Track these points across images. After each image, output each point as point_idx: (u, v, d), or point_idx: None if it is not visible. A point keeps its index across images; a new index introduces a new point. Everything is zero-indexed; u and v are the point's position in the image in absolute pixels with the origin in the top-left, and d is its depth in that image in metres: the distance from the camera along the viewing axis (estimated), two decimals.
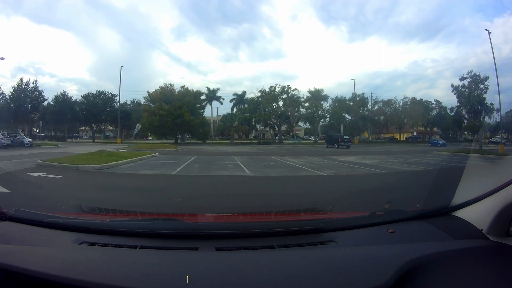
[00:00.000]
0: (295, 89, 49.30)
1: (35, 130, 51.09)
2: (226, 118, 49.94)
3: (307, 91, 50.23)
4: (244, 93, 53.91)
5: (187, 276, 1.05)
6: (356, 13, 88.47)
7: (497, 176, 1.51)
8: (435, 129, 57.44)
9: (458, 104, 49.65)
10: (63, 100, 47.89)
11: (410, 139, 55.61)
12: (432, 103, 54.70)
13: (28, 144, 26.95)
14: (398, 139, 56.30)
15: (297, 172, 11.16)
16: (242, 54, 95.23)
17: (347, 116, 51.00)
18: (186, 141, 46.24)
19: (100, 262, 1.22)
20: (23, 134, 34.04)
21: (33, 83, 47.41)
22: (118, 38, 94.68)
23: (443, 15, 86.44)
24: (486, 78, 43.95)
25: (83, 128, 57.58)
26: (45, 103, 48.02)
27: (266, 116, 49.21)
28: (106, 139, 50.71)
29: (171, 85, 46.65)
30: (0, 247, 1.26)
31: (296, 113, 49.91)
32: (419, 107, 50.56)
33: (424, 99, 54.68)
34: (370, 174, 10.60)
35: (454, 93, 48.37)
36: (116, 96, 48.95)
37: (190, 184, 8.58)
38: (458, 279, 1.12)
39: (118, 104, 47.95)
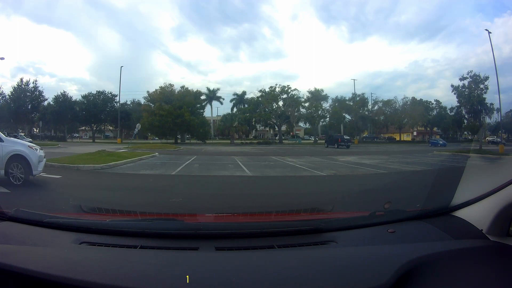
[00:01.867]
0: (295, 89, 49.35)
1: (35, 130, 51.11)
2: (226, 118, 49.95)
3: (307, 91, 50.30)
4: (244, 93, 53.95)
5: (187, 276, 1.05)
6: (357, 13, 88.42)
7: (497, 176, 1.51)
8: (435, 129, 57.43)
9: (458, 104, 49.78)
10: (63, 100, 47.91)
11: (364, 139, 54.76)
12: (432, 103, 54.72)
13: None
14: (397, 139, 56.24)
15: (297, 172, 11.17)
16: (242, 54, 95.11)
17: (347, 116, 51.04)
18: (186, 141, 46.24)
19: (100, 262, 1.22)
20: (23, 134, 34.09)
21: (33, 83, 47.53)
22: (118, 38, 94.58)
23: (444, 15, 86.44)
24: (486, 78, 44.09)
25: (83, 128, 57.57)
26: (45, 103, 48.14)
27: (266, 116, 49.19)
28: (106, 139, 50.66)
29: (171, 85, 46.68)
30: (0, 247, 1.26)
31: (296, 113, 49.90)
32: (419, 107, 50.55)
33: (424, 99, 54.68)
34: (370, 174, 10.61)
35: (454, 93, 48.53)
36: (116, 96, 49.04)
37: (190, 184, 8.58)
38: (458, 279, 1.12)
39: (118, 104, 48.06)
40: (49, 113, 46.34)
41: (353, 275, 1.11)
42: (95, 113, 48.39)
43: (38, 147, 7.72)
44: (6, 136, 7.92)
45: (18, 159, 7.05)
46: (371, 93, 69.70)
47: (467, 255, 1.26)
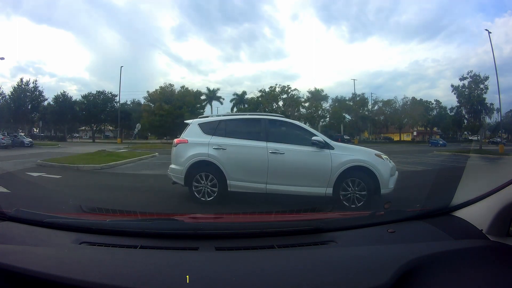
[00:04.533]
0: (295, 89, 49.46)
1: (35, 130, 51.10)
2: None
3: (307, 91, 50.43)
4: (244, 93, 53.90)
5: (187, 276, 1.05)
6: (357, 12, 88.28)
7: (497, 176, 1.51)
8: (435, 129, 57.43)
9: (458, 104, 49.77)
10: (63, 100, 47.88)
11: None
12: (432, 103, 54.72)
13: (28, 144, 26.99)
14: (396, 139, 56.18)
15: None
16: (242, 54, 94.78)
17: (347, 116, 51.05)
18: None
19: (100, 262, 1.22)
20: (23, 134, 34.05)
21: (33, 83, 47.48)
22: (118, 37, 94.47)
23: (444, 15, 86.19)
24: (486, 78, 44.05)
25: (83, 128, 57.60)
26: (45, 103, 48.10)
27: None
28: (106, 139, 50.63)
29: (171, 85, 46.77)
30: (0, 247, 1.26)
31: (296, 113, 49.92)
32: (419, 107, 50.57)
33: (425, 99, 54.60)
34: None
35: (454, 93, 48.49)
36: (116, 96, 48.95)
37: None
38: (458, 279, 1.12)
39: (118, 104, 48.00)
40: (49, 113, 46.33)
41: (353, 275, 1.11)
42: (95, 113, 48.35)
43: (386, 156, 5.45)
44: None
45: (357, 173, 5.02)
46: (371, 93, 69.52)
47: (467, 255, 1.26)
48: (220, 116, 6.09)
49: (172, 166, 5.84)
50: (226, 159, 5.26)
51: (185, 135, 5.76)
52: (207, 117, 6.04)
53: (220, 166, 5.23)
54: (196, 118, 6.12)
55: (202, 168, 5.32)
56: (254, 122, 5.77)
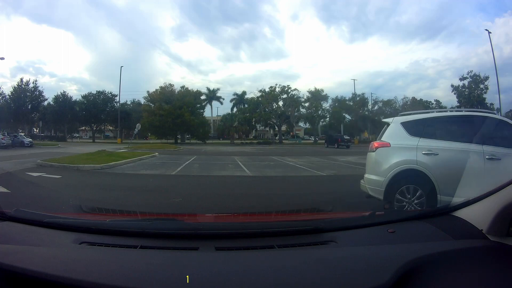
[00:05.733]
0: (295, 89, 49.51)
1: (35, 130, 51.14)
2: (226, 118, 49.99)
3: (307, 91, 50.45)
4: (244, 93, 54.01)
5: (187, 276, 1.05)
6: (357, 12, 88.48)
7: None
8: None
9: (458, 104, 49.75)
10: (63, 100, 47.94)
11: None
12: (432, 103, 54.75)
13: (28, 144, 27.01)
14: None
15: (297, 172, 11.16)
16: (243, 54, 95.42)
17: (347, 116, 51.05)
18: (186, 141, 46.22)
19: (100, 262, 1.22)
20: (23, 134, 34.06)
21: (33, 83, 47.61)
22: (119, 37, 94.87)
23: (444, 15, 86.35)
24: (486, 78, 44.08)
25: (83, 128, 57.63)
26: (45, 103, 48.23)
27: (266, 116, 49.20)
28: (106, 139, 50.69)
29: (171, 85, 46.80)
30: (0, 247, 1.26)
31: (296, 113, 49.93)
32: (419, 107, 50.58)
33: (425, 99, 54.76)
34: None
35: (454, 93, 48.50)
36: (116, 96, 49.05)
37: (190, 184, 8.59)
38: (458, 279, 1.12)
39: (118, 104, 48.07)
40: (49, 113, 46.38)
41: (353, 275, 1.11)
42: (95, 113, 48.40)
43: None
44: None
45: None
46: (371, 93, 69.80)
47: (467, 255, 1.26)
48: (425, 112, 5.09)
49: (369, 176, 4.85)
50: (438, 167, 4.24)
51: (386, 137, 4.78)
52: (410, 114, 5.01)
53: (431, 177, 4.22)
54: (397, 116, 5.09)
55: (408, 179, 4.38)
56: (467, 120, 4.74)
